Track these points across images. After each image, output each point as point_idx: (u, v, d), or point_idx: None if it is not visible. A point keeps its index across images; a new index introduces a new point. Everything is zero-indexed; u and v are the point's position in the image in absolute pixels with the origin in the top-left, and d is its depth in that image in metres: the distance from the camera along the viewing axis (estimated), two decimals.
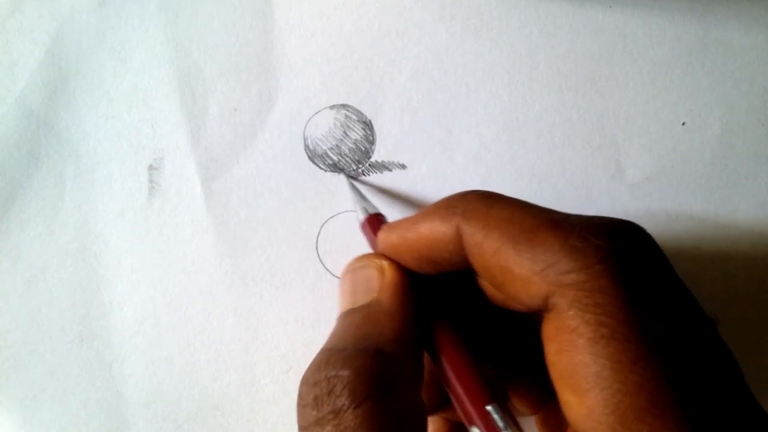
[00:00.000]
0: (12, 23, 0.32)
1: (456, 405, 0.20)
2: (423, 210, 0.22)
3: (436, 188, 0.31)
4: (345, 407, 0.18)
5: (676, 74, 0.31)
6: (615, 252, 0.17)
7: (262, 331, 0.31)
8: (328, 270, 0.31)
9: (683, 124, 0.31)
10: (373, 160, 0.32)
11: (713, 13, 0.31)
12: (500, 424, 0.18)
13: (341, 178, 0.31)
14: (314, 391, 0.19)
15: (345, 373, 0.19)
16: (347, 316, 0.22)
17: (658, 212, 0.31)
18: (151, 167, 0.32)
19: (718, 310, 0.30)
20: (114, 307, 0.32)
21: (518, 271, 0.18)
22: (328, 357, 0.20)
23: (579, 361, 0.16)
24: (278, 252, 0.32)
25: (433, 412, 0.26)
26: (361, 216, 0.27)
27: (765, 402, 0.17)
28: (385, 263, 0.23)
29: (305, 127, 0.32)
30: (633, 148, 0.31)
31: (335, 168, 0.32)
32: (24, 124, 0.32)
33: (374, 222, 0.26)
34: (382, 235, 0.24)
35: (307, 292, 0.31)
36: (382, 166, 0.32)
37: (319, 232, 0.31)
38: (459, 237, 0.20)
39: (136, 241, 0.32)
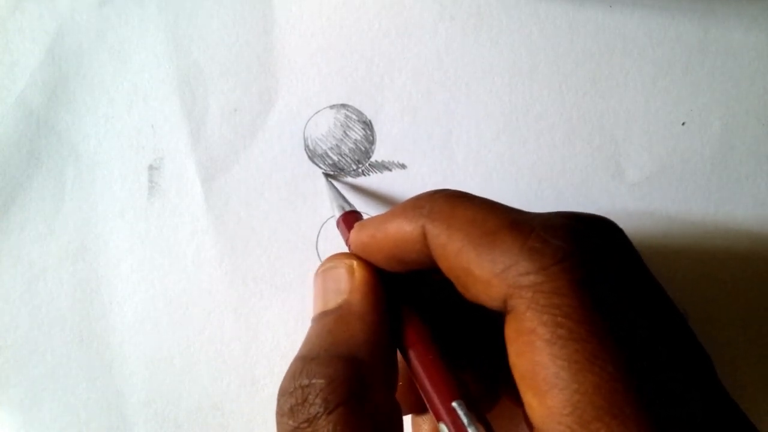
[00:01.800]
0: (12, 23, 0.32)
1: (425, 401, 0.20)
2: (392, 208, 0.22)
3: (436, 188, 0.31)
4: (319, 415, 0.18)
5: (676, 74, 0.31)
6: (574, 252, 0.17)
7: (262, 331, 0.31)
8: None
9: (683, 124, 0.31)
10: (373, 160, 0.32)
11: (713, 13, 0.31)
12: (464, 420, 0.18)
13: (320, 177, 0.31)
14: (290, 400, 0.19)
15: (317, 381, 0.19)
16: (319, 319, 0.22)
17: (658, 212, 0.31)
18: (151, 167, 0.32)
19: (717, 311, 0.30)
20: (114, 307, 0.32)
21: (479, 273, 0.18)
22: (302, 366, 0.20)
23: (537, 363, 0.16)
24: (278, 252, 0.32)
25: (425, 410, 0.26)
26: (337, 213, 0.27)
27: (763, 405, 0.17)
28: (354, 263, 0.23)
29: (305, 127, 0.32)
30: (633, 148, 0.31)
31: (335, 168, 0.32)
32: (24, 124, 0.32)
33: (349, 219, 0.26)
34: (353, 234, 0.24)
35: (307, 292, 0.31)
36: (382, 166, 0.32)
37: (319, 232, 0.31)
38: (424, 237, 0.20)
39: (136, 241, 0.32)
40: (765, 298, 0.30)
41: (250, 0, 0.32)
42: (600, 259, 0.17)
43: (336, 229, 0.28)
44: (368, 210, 0.31)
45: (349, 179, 0.32)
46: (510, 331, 0.18)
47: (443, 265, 0.20)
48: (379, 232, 0.22)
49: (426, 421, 0.27)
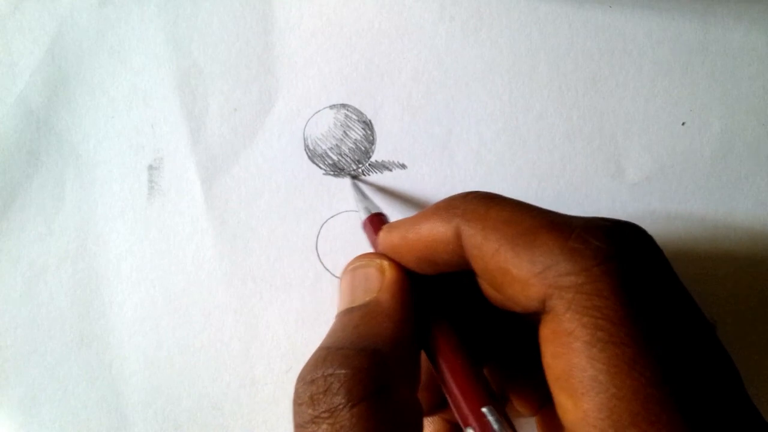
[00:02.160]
0: (12, 23, 0.32)
1: (452, 406, 0.20)
2: (424, 210, 0.22)
3: (436, 188, 0.31)
4: (341, 406, 0.18)
5: (676, 74, 0.31)
6: (615, 254, 0.17)
7: (262, 331, 0.31)
8: (328, 270, 0.31)
9: (683, 124, 0.31)
10: (373, 159, 0.32)
11: (713, 13, 0.31)
12: (495, 426, 0.18)
13: (345, 179, 0.31)
14: (311, 389, 0.19)
15: (342, 371, 0.18)
16: (345, 314, 0.22)
17: (658, 212, 0.31)
18: (151, 167, 0.32)
19: (717, 311, 0.30)
20: (114, 307, 0.32)
21: (516, 273, 0.18)
22: (326, 355, 0.19)
23: (575, 365, 0.16)
24: (278, 252, 0.32)
25: (432, 412, 0.26)
26: (363, 215, 0.27)
27: (764, 405, 0.17)
28: (385, 263, 0.23)
29: (305, 127, 0.32)
30: (633, 148, 0.31)
31: (335, 168, 0.32)
32: (24, 124, 0.32)
33: (376, 221, 0.26)
34: (383, 235, 0.24)
35: (307, 292, 0.31)
36: (382, 166, 0.32)
37: (319, 232, 0.31)
38: (459, 238, 0.20)
39: (136, 241, 0.32)
40: (765, 297, 0.30)
41: (250, 0, 0.32)
42: (637, 263, 0.17)
43: (335, 229, 0.28)
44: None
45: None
46: (546, 332, 0.18)
47: (478, 266, 0.20)
48: (411, 233, 0.22)
49: (432, 423, 0.27)
